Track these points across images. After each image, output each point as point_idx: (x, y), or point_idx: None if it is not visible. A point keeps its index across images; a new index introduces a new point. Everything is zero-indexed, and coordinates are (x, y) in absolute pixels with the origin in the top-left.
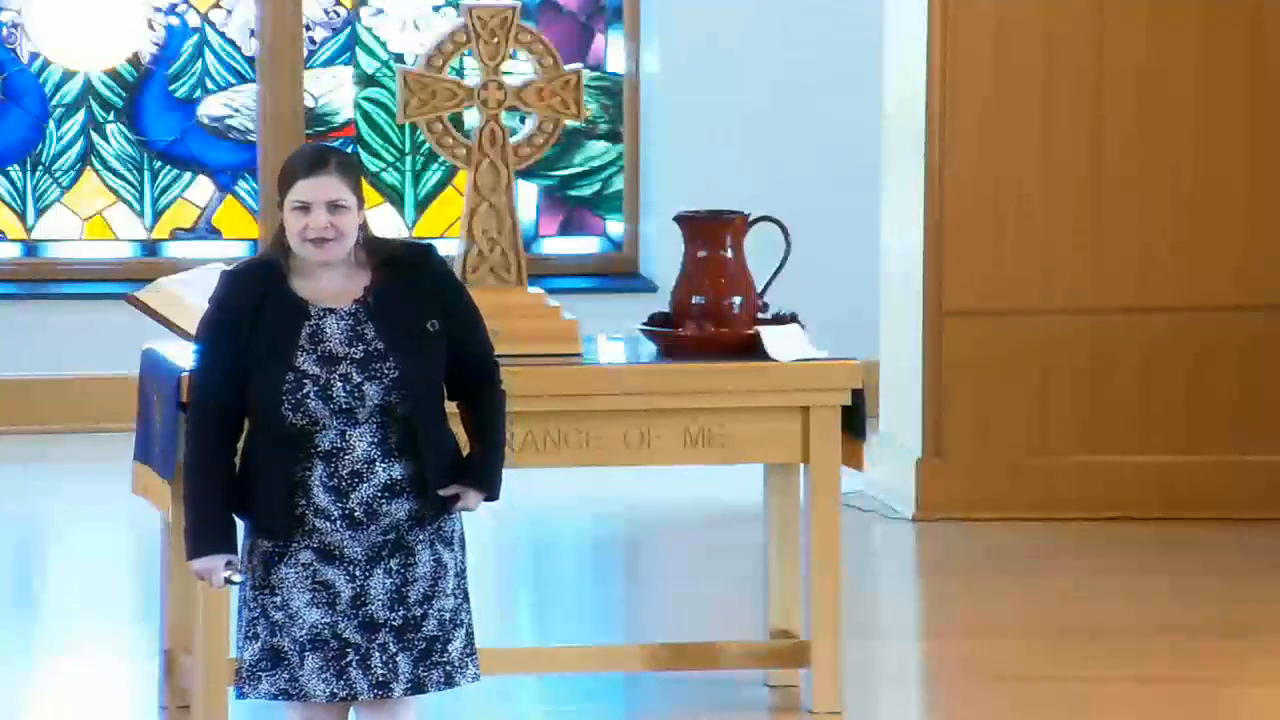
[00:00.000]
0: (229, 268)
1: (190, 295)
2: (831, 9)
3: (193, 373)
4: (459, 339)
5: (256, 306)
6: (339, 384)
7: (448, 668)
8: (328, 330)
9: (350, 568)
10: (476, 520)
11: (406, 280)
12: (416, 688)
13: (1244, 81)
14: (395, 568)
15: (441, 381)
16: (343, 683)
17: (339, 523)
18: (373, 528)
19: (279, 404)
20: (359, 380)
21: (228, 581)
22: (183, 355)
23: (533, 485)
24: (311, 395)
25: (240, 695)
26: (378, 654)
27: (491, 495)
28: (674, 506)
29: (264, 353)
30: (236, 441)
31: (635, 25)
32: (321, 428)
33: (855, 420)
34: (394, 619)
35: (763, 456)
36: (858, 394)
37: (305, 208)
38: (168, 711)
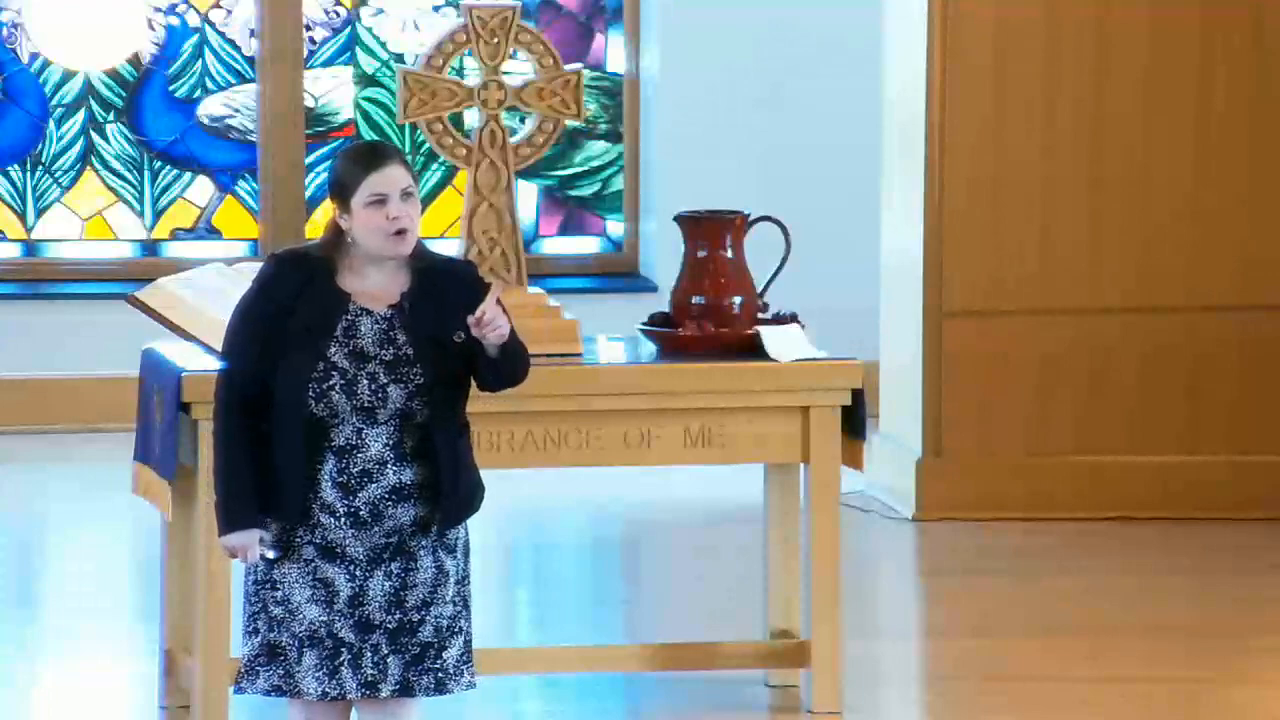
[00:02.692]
0: (276, 251)
1: (190, 295)
2: (831, 9)
3: (225, 349)
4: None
5: (297, 293)
6: (365, 382)
7: (440, 674)
8: (362, 328)
9: (351, 567)
10: (476, 518)
11: (440, 289)
12: (405, 690)
13: (1244, 81)
14: (396, 571)
15: (461, 393)
16: (334, 682)
17: (343, 520)
18: (376, 529)
19: (304, 391)
20: (385, 381)
21: (261, 557)
22: (183, 355)
23: (533, 485)
24: (337, 388)
25: (238, 690)
26: (369, 654)
27: (511, 342)
28: (674, 506)
29: (297, 339)
30: (263, 420)
31: (635, 25)
32: (340, 422)
33: (855, 420)
34: (389, 621)
35: (763, 456)
36: (858, 394)
37: (382, 200)
38: (168, 711)
